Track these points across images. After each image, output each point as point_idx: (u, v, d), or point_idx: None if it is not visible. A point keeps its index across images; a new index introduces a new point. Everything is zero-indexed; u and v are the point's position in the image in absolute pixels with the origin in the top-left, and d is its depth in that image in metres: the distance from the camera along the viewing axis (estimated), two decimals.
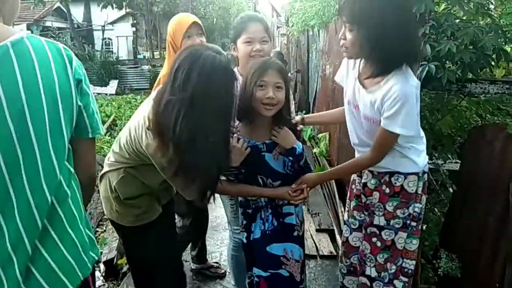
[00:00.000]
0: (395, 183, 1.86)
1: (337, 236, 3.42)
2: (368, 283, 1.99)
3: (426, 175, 1.93)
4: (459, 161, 2.61)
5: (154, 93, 1.68)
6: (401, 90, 1.63)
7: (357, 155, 2.03)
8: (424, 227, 2.65)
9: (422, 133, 1.92)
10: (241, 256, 2.24)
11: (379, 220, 1.91)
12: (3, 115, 0.98)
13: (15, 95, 0.98)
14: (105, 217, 4.16)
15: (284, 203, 1.97)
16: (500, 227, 2.28)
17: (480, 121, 3.05)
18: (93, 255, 1.25)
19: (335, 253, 3.24)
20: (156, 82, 2.28)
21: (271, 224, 1.96)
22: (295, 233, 1.99)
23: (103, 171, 1.84)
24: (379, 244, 1.93)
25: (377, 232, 1.92)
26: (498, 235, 2.29)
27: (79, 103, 1.14)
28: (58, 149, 1.08)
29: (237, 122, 1.86)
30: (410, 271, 1.96)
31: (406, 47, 1.65)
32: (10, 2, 1.12)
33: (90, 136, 1.20)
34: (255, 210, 1.99)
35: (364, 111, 1.81)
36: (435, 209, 2.93)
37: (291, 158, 1.91)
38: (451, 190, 2.57)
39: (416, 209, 1.90)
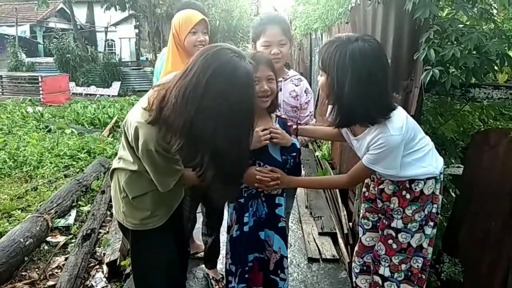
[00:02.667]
0: (415, 188, 1.88)
1: (340, 240, 3.42)
2: (380, 282, 2.01)
3: (442, 175, 1.95)
4: (462, 166, 2.61)
5: (151, 91, 1.64)
6: (385, 139, 1.72)
7: None
8: None
9: (427, 140, 1.93)
10: None
11: (397, 223, 1.92)
12: None
13: None
14: (108, 218, 4.18)
15: (277, 193, 2.03)
16: (503, 232, 2.29)
17: (483, 126, 3.06)
18: None
19: (337, 257, 3.24)
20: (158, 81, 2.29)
21: (264, 210, 2.02)
22: (280, 224, 2.07)
23: (113, 166, 1.83)
24: (395, 246, 1.94)
25: (394, 234, 1.94)
26: (501, 240, 2.29)
27: None
28: None
29: None
30: (426, 266, 2.03)
31: (368, 104, 1.69)
32: None
33: None
34: (248, 199, 2.01)
35: (357, 151, 1.92)
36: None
37: (293, 154, 1.99)
38: (453, 194, 2.57)
39: (434, 210, 1.93)
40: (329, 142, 5.50)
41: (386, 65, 1.77)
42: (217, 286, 2.79)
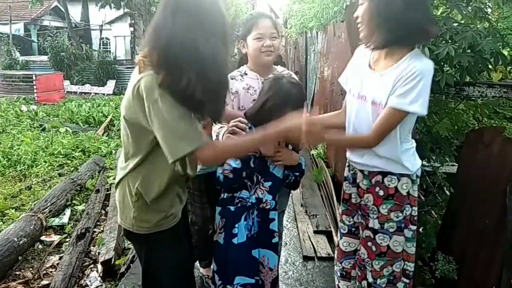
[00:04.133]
0: (389, 185, 1.84)
1: (335, 238, 3.42)
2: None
3: (419, 179, 1.91)
4: (456, 164, 2.62)
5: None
6: (419, 66, 1.63)
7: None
8: (421, 230, 2.67)
9: (409, 142, 1.88)
10: None
11: (374, 223, 1.89)
12: None
13: None
14: (102, 217, 4.16)
15: (271, 207, 1.99)
16: (497, 230, 2.29)
17: (477, 124, 3.07)
18: None
19: (332, 255, 3.24)
20: None
21: (257, 227, 1.97)
22: (274, 240, 2.02)
23: (119, 178, 1.73)
24: (374, 249, 1.91)
25: (372, 236, 1.91)
26: (495, 237, 2.30)
27: None
28: None
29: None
30: (411, 273, 1.96)
31: (414, 21, 1.64)
32: None
33: None
34: (241, 210, 1.97)
35: (374, 97, 1.77)
36: (432, 211, 2.95)
37: (297, 174, 2.01)
38: (448, 192, 2.59)
39: (414, 213, 1.89)
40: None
41: None
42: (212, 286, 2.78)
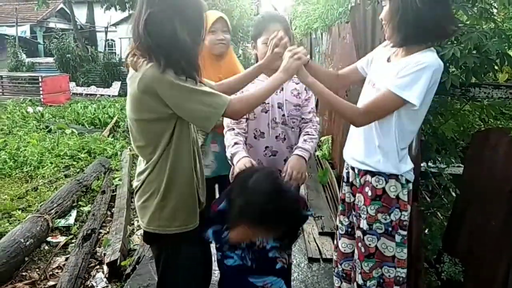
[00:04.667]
0: (377, 185, 1.85)
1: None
2: None
3: (410, 185, 1.89)
4: (462, 165, 2.61)
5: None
6: (426, 59, 1.66)
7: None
8: (426, 231, 2.66)
9: (407, 141, 1.87)
10: None
11: (363, 224, 1.90)
12: None
13: None
14: (108, 218, 4.18)
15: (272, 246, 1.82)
16: (503, 231, 2.28)
17: (483, 126, 3.05)
18: None
19: None
20: None
21: (253, 256, 1.81)
22: (278, 266, 1.84)
23: (140, 182, 1.72)
24: (363, 250, 1.91)
25: (362, 236, 1.91)
26: (501, 239, 2.29)
27: None
28: None
29: None
30: (402, 279, 1.93)
31: (431, 19, 1.65)
32: None
33: None
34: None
35: (379, 85, 1.80)
36: (438, 213, 2.94)
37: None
38: (454, 194, 2.57)
39: (403, 217, 1.86)
40: (330, 141, 5.50)
41: None
42: None
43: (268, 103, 2.16)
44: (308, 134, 2.21)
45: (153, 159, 1.66)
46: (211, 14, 2.34)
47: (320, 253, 3.30)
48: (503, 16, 3.18)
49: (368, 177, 1.87)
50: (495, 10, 2.71)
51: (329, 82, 1.97)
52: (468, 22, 2.32)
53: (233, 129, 2.14)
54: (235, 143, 2.08)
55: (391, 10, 1.73)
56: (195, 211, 1.77)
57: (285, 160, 2.16)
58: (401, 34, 1.71)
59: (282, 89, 2.19)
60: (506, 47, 2.21)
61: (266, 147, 2.20)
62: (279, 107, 2.19)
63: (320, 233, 3.60)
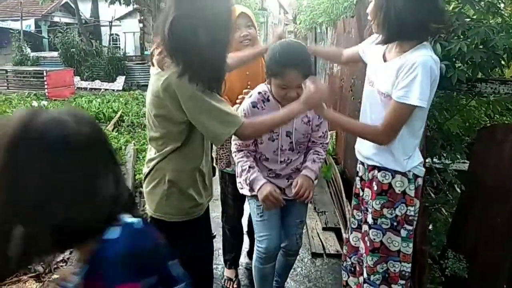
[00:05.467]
0: (383, 180, 1.85)
1: (344, 235, 3.41)
2: (363, 284, 1.99)
3: (420, 180, 1.88)
4: (467, 161, 2.59)
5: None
6: (418, 59, 1.64)
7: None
8: (431, 227, 2.65)
9: (416, 140, 1.88)
10: (267, 268, 2.23)
11: (369, 218, 1.91)
12: None
13: None
14: None
15: None
16: (508, 228, 2.27)
17: (488, 121, 3.03)
18: None
19: (341, 252, 3.24)
20: None
21: None
22: None
23: (149, 169, 1.77)
24: (368, 244, 1.92)
25: (368, 231, 1.93)
26: (506, 236, 2.28)
27: None
28: None
29: None
30: (407, 274, 1.94)
31: (415, 17, 1.64)
32: None
33: None
34: None
35: (378, 86, 1.80)
36: (443, 209, 2.92)
37: None
38: (459, 190, 2.56)
39: (410, 212, 1.86)
40: (334, 137, 5.48)
41: None
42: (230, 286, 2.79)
43: (277, 133, 2.09)
44: (318, 154, 2.16)
45: (164, 150, 1.71)
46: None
47: (324, 248, 3.30)
48: (510, 11, 3.15)
49: (376, 172, 1.88)
50: (502, 5, 2.68)
51: (336, 60, 2.18)
52: (474, 17, 2.29)
53: (243, 151, 2.11)
54: (250, 167, 2.06)
55: (375, 7, 1.73)
56: (201, 200, 1.81)
57: (288, 179, 2.17)
58: (385, 32, 1.72)
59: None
60: None
61: (270, 169, 2.17)
62: (287, 136, 2.11)
63: (323, 229, 3.60)
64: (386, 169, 1.84)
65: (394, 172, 1.83)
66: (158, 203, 1.76)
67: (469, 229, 2.46)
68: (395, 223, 1.86)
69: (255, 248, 2.24)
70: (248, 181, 2.07)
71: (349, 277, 2.20)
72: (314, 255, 3.22)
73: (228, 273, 2.83)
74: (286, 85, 1.92)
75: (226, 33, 1.62)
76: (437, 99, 2.60)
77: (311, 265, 3.10)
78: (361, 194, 2.04)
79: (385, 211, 1.85)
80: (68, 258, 3.25)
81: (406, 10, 1.63)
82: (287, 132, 2.10)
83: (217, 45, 1.56)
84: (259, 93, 2.07)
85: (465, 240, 2.48)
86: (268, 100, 2.06)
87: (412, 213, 1.87)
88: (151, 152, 1.79)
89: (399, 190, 1.83)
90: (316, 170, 2.12)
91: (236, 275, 2.81)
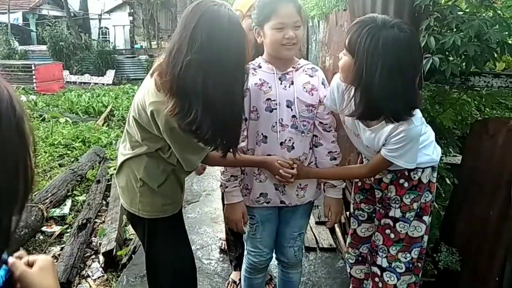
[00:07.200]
0: (414, 177, 1.87)
1: (337, 229, 3.42)
2: (379, 273, 2.00)
3: (437, 166, 1.96)
4: (460, 155, 2.60)
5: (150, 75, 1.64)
6: (407, 132, 1.64)
7: (364, 161, 2.04)
8: None
9: (428, 128, 1.93)
10: (255, 279, 2.17)
11: (395, 212, 1.91)
12: None
13: None
14: (103, 208, 4.15)
15: None
16: (501, 221, 2.28)
17: (479, 115, 3.04)
18: None
19: (334, 246, 3.25)
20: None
21: None
22: None
23: (121, 160, 1.78)
24: (392, 236, 1.94)
25: (392, 224, 1.93)
26: (499, 229, 2.29)
27: None
28: None
29: None
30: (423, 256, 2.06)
31: (395, 100, 1.56)
32: None
33: None
34: None
35: (367, 143, 1.83)
36: (435, 203, 2.93)
37: None
38: (451, 184, 2.56)
39: (429, 198, 1.93)
40: None
41: (419, 59, 1.63)
42: None
43: (275, 100, 1.82)
44: (335, 159, 1.99)
45: (138, 150, 1.70)
46: None
47: (317, 242, 3.30)
48: (502, 4, 3.15)
49: (405, 172, 1.87)
50: None
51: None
52: (468, 10, 2.29)
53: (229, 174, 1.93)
54: (232, 176, 1.90)
55: (355, 70, 1.59)
56: (175, 198, 1.82)
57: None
58: (361, 109, 1.62)
59: (292, 83, 1.86)
60: (507, 36, 2.18)
61: (268, 155, 1.87)
62: (288, 106, 1.83)
63: (316, 223, 3.60)
64: (417, 168, 1.85)
65: (425, 168, 1.87)
66: (132, 199, 1.77)
67: (462, 223, 2.47)
68: (419, 211, 1.92)
69: (244, 258, 2.16)
70: (222, 188, 1.98)
71: (351, 268, 2.23)
72: (308, 249, 3.22)
73: (233, 275, 2.81)
74: (282, 23, 1.73)
75: (241, 77, 1.58)
76: (429, 93, 2.60)
77: (305, 259, 3.09)
78: (380, 193, 2.00)
79: (415, 205, 1.89)
80: (59, 255, 3.22)
81: (384, 93, 1.53)
82: (288, 101, 1.83)
83: (227, 94, 1.51)
84: (250, 62, 1.87)
85: (458, 233, 2.49)
86: (260, 67, 1.88)
87: (430, 198, 1.94)
88: (125, 145, 1.78)
89: (425, 181, 1.89)
90: (341, 185, 2.03)
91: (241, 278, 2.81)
